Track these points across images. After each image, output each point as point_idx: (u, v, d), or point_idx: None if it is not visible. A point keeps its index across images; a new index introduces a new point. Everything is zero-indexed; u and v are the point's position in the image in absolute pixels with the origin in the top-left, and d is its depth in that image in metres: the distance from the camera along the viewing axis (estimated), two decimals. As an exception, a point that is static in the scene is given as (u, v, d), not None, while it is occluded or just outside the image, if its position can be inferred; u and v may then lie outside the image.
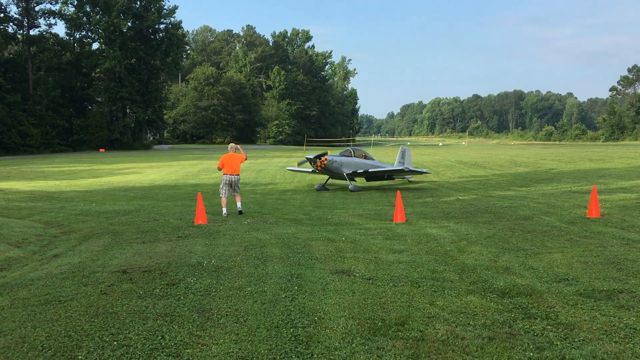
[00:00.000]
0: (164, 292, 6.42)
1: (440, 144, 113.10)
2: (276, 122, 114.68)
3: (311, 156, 21.55)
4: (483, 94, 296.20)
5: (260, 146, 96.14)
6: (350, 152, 23.13)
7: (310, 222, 12.37)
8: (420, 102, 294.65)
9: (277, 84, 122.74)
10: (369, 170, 22.13)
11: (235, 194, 13.80)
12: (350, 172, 22.01)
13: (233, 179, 13.66)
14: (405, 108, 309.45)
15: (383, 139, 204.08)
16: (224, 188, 13.67)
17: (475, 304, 5.94)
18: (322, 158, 21.39)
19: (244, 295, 6.23)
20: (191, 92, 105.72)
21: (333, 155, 22.35)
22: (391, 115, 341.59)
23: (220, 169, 13.82)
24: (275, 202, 17.66)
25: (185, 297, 6.20)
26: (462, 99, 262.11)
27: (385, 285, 6.60)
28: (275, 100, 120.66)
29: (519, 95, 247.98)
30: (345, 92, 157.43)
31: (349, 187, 21.51)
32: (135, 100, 77.14)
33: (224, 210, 13.61)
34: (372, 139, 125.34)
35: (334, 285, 6.61)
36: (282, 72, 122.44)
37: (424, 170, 23.60)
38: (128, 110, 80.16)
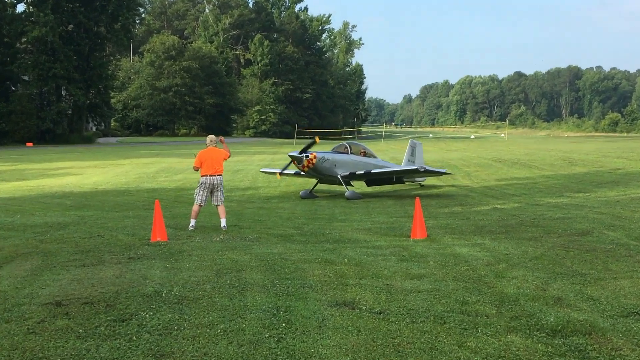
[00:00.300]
0: (110, 330, 6.48)
1: (473, 136, 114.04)
2: (258, 107, 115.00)
3: (295, 153, 21.58)
4: (528, 71, 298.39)
5: (238, 139, 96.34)
6: (346, 147, 23.10)
7: (302, 238, 12.44)
8: (447, 82, 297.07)
9: (258, 58, 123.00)
10: (372, 172, 22.13)
11: (217, 204, 13.96)
12: (347, 173, 22.01)
13: (215, 181, 13.84)
14: (427, 90, 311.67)
15: (398, 129, 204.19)
16: (201, 193, 13.84)
17: (517, 345, 5.97)
18: (310, 155, 21.39)
19: (215, 335, 6.29)
20: (146, 68, 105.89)
21: (324, 152, 22.35)
22: (408, 99, 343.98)
23: (197, 169, 13.99)
24: (256, 212, 17.85)
25: (138, 337, 6.24)
26: (500, 78, 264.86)
27: (401, 322, 6.68)
28: (256, 79, 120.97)
29: (574, 73, 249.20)
30: (348, 69, 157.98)
31: (346, 193, 21.56)
32: (73, 79, 77.20)
33: (192, 222, 13.75)
34: (384, 129, 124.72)
35: (334, 321, 6.69)
36: (266, 43, 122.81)
37: (443, 170, 23.60)
38: (64, 93, 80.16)
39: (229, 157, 14.24)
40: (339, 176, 21.94)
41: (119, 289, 8.11)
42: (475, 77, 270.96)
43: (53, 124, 76.45)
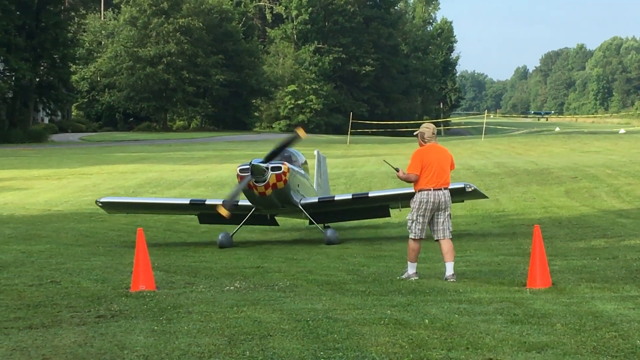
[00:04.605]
0: None
1: (623, 131, 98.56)
2: (293, 87, 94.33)
3: (260, 161, 15.15)
4: None
5: (262, 135, 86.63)
6: (293, 157, 16.92)
7: (360, 287, 10.78)
8: (582, 48, 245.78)
9: (294, 12, 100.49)
10: (370, 196, 16.56)
11: (440, 237, 11.02)
12: (315, 200, 16.30)
13: (441, 198, 10.96)
14: (551, 60, 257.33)
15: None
16: (420, 220, 10.97)
17: None
18: (283, 167, 15.39)
19: None
20: (125, 29, 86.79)
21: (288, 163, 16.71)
22: (522, 74, 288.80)
23: (413, 180, 11.05)
24: (289, 246, 16.54)
25: None
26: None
27: None
28: (290, 45, 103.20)
29: None
30: (430, 28, 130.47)
31: (327, 233, 16.00)
32: (16, 45, 65.75)
33: (410, 267, 11.01)
34: (485, 119, 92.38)
35: None
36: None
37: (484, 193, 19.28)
38: (1, 66, 68.53)
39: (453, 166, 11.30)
40: (299, 205, 16.27)
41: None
42: (627, 39, 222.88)
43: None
